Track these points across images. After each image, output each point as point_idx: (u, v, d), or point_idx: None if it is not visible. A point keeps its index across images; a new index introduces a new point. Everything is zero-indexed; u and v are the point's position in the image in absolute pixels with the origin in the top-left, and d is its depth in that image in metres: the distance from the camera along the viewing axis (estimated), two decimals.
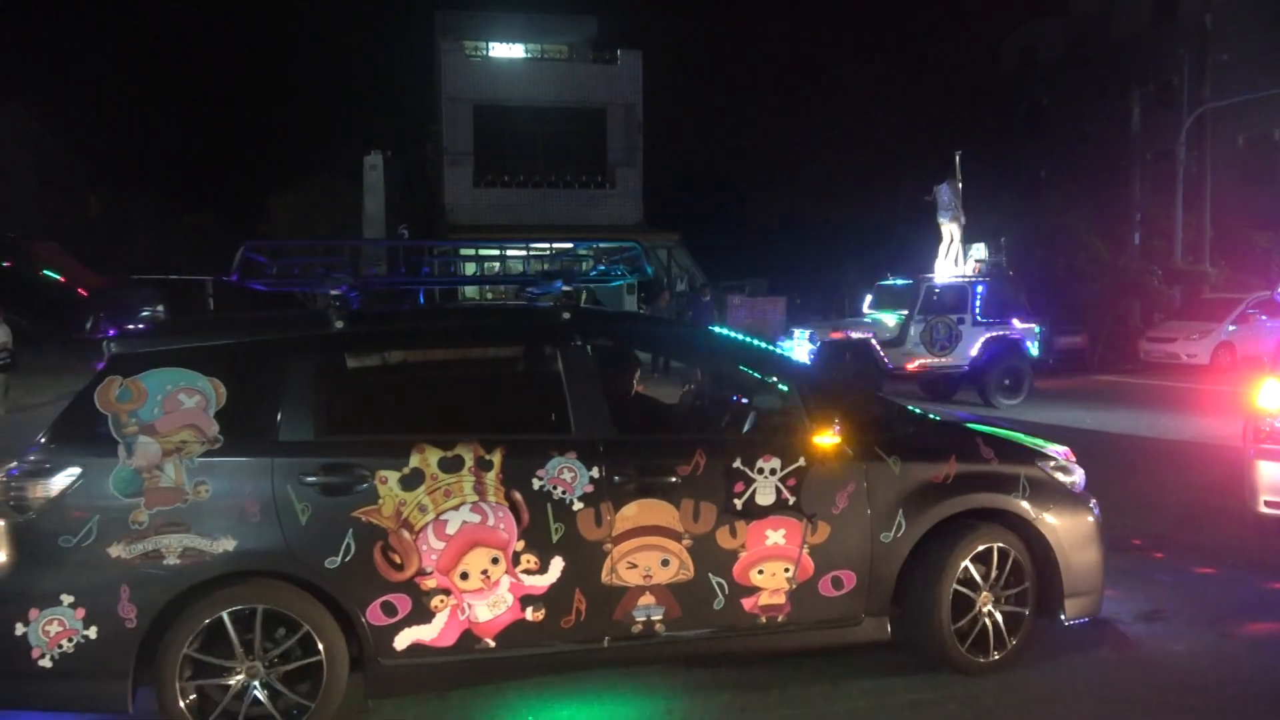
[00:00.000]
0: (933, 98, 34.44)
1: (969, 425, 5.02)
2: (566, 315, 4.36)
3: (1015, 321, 15.53)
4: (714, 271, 30.54)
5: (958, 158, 16.90)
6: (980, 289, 15.61)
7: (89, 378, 3.87)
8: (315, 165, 29.55)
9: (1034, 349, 15.53)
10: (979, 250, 17.02)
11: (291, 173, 29.53)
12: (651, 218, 30.97)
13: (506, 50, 32.43)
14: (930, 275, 16.34)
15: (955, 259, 16.70)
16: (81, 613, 3.64)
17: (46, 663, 3.64)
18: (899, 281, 16.60)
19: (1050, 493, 4.69)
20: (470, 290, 9.18)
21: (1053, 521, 4.64)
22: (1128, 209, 23.31)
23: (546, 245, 5.63)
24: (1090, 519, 4.77)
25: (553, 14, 32.69)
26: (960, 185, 16.69)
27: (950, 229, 16.68)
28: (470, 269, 11.37)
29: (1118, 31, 33.36)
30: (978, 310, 15.39)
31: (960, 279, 16.10)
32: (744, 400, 5.19)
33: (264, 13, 62.56)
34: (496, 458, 3.98)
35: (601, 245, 4.99)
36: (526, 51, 32.84)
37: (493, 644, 4.01)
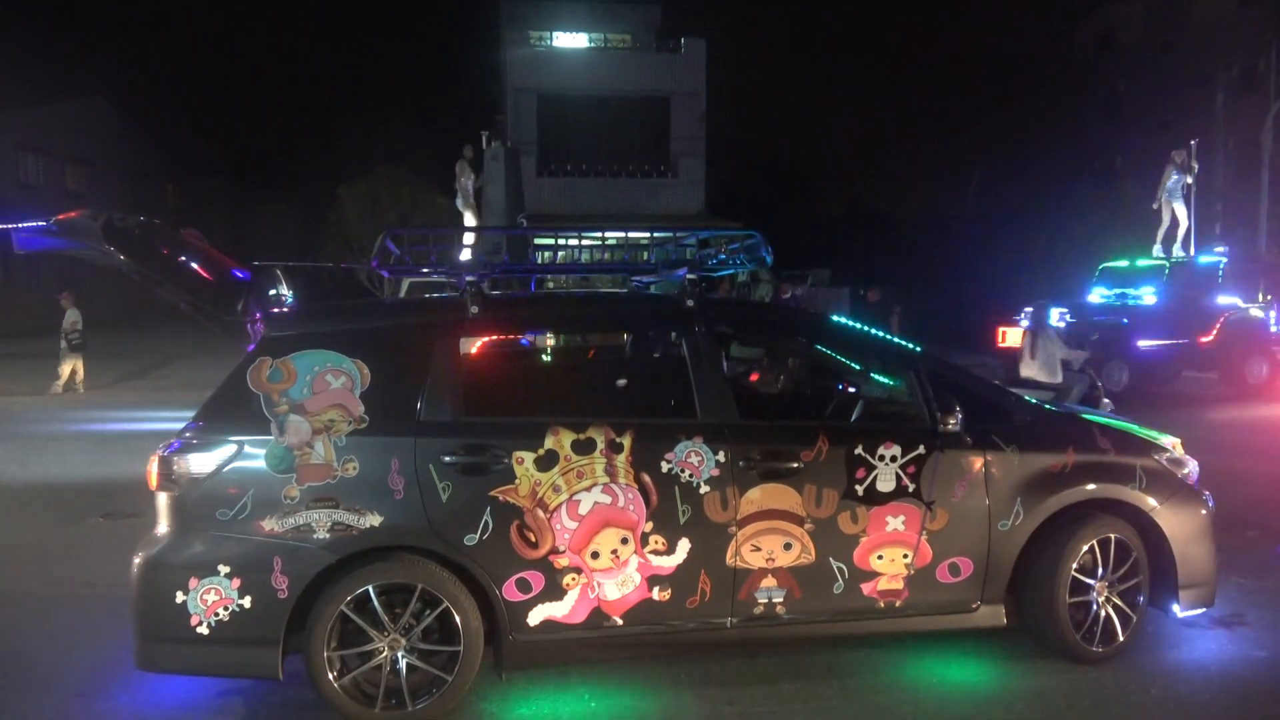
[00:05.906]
0: (1004, 84, 33.83)
1: (1084, 416, 5.00)
2: (691, 303, 4.46)
3: None
4: (777, 261, 30.27)
5: (484, 137, 16.87)
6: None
7: (241, 358, 4.06)
8: (381, 155, 30.20)
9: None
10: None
11: (359, 163, 30.24)
12: (713, 207, 30.93)
13: (570, 39, 32.58)
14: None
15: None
16: (237, 582, 3.82)
17: (204, 629, 3.82)
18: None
19: (1166, 484, 4.68)
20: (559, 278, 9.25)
21: (1168, 512, 4.63)
22: (1209, 198, 22.65)
23: (646, 233, 5.71)
24: (1204, 511, 4.75)
25: (617, 3, 32.75)
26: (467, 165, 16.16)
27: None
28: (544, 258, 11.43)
29: (1200, 14, 32.37)
30: None
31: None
32: (850, 389, 5.22)
33: (334, 8, 63.58)
34: (627, 440, 4.08)
35: (721, 234, 5.06)
36: (590, 41, 32.94)
37: (620, 622, 4.13)
